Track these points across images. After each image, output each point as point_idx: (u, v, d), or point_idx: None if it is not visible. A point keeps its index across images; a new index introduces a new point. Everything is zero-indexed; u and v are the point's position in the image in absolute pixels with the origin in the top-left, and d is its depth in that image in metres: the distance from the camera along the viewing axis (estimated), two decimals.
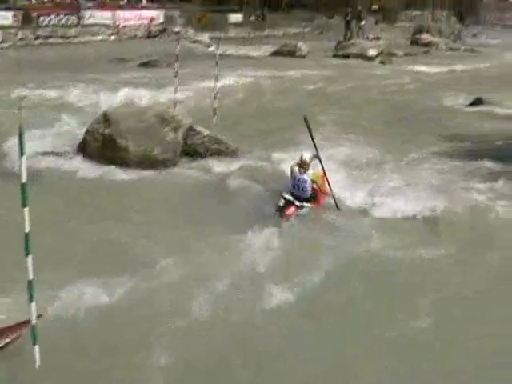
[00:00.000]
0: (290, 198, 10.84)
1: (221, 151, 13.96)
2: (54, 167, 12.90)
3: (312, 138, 11.12)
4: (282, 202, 10.80)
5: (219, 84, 17.09)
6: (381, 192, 11.76)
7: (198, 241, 9.56)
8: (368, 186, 12.06)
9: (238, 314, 7.72)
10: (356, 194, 11.72)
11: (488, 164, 13.88)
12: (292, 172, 11.02)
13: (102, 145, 13.27)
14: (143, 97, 18.67)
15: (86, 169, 12.87)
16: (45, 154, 13.63)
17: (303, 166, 10.84)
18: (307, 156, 10.88)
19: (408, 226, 10.59)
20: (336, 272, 8.76)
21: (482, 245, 9.88)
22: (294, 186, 10.97)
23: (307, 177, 10.90)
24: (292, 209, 10.72)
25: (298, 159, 10.98)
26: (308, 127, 11.17)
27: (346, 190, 11.70)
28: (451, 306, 8.12)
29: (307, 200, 10.97)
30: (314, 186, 11.06)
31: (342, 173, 12.38)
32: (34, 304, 6.30)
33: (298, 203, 10.80)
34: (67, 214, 10.57)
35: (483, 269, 9.16)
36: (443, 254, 9.50)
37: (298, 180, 10.89)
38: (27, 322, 6.58)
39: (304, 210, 10.86)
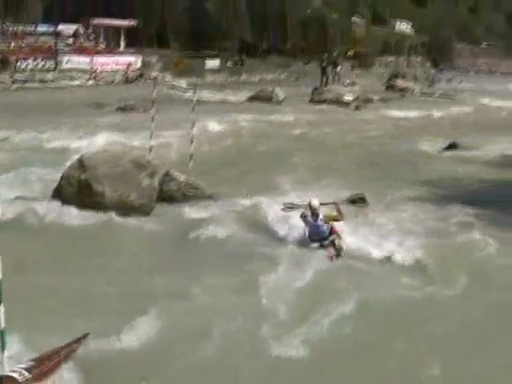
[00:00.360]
0: (316, 245, 11.34)
1: (197, 196, 13.91)
2: (30, 212, 12.67)
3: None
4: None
5: (196, 129, 17.18)
6: (369, 235, 11.79)
7: (191, 286, 9.40)
8: (355, 229, 12.07)
9: (243, 361, 7.55)
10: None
11: (464, 208, 13.95)
12: (306, 222, 11.50)
13: (78, 190, 13.16)
14: (120, 142, 18.71)
15: (62, 214, 12.68)
16: (21, 198, 13.46)
17: (314, 212, 11.39)
18: (315, 202, 11.44)
19: (401, 267, 10.61)
20: (344, 316, 8.64)
21: (477, 282, 9.99)
22: (311, 234, 11.46)
23: (321, 221, 11.40)
24: (330, 249, 11.15)
25: (307, 208, 11.55)
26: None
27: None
28: (453, 346, 8.12)
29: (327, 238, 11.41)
30: (330, 226, 11.51)
31: None
32: (5, 353, 6.21)
33: (326, 242, 11.32)
34: (43, 260, 10.42)
35: (483, 305, 9.28)
36: (442, 293, 9.53)
37: (314, 226, 11.41)
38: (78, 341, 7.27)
39: (337, 242, 11.27)
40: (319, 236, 11.36)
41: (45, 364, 6.68)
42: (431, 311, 9.05)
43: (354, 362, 7.66)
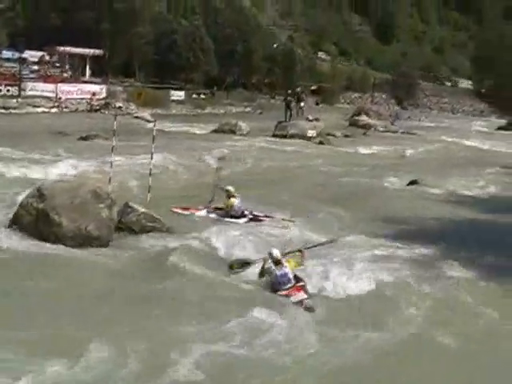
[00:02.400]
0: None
1: (156, 229, 13.85)
2: None
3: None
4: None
5: (158, 159, 17.12)
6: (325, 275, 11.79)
7: (143, 318, 9.30)
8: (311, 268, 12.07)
9: None
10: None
11: (424, 245, 14.09)
12: (270, 273, 11.13)
13: (35, 219, 13.00)
14: (80, 171, 18.57)
15: (18, 243, 12.47)
16: None
17: (278, 262, 11.14)
18: (277, 252, 11.27)
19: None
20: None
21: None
22: (276, 284, 11.07)
23: (287, 268, 11.13)
24: (299, 294, 10.84)
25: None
26: None
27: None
28: None
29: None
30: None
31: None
32: None
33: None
34: None
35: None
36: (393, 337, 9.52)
37: (281, 275, 11.04)
38: None
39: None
40: (285, 285, 10.95)
41: None
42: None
43: None
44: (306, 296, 10.68)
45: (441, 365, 8.83)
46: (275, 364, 8.36)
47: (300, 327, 9.49)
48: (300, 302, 10.45)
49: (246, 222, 15.45)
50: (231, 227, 14.65)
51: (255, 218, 15.79)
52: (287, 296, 10.70)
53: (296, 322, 9.66)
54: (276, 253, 11.23)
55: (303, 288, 10.95)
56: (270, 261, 11.19)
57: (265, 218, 15.78)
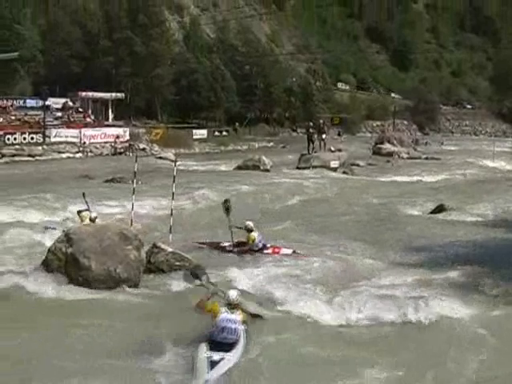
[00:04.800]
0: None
1: (184, 267, 13.79)
2: (16, 285, 12.60)
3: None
4: None
5: (183, 199, 17.23)
6: (354, 304, 11.79)
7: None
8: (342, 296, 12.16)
9: None
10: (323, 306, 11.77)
11: (448, 273, 14.01)
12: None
13: (64, 264, 13.12)
14: (106, 214, 18.72)
15: (48, 288, 12.53)
16: (7, 271, 13.39)
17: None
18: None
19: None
20: None
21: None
22: None
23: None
24: None
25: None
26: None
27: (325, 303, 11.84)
28: None
29: None
30: None
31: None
32: None
33: None
34: (22, 337, 10.26)
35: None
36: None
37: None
38: None
39: None
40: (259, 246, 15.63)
41: None
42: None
43: None
44: (292, 250, 15.00)
45: None
46: None
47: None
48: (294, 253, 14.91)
49: None
50: (258, 263, 14.68)
51: None
52: (273, 254, 15.02)
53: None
54: (250, 223, 15.55)
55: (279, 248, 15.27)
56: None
57: None
